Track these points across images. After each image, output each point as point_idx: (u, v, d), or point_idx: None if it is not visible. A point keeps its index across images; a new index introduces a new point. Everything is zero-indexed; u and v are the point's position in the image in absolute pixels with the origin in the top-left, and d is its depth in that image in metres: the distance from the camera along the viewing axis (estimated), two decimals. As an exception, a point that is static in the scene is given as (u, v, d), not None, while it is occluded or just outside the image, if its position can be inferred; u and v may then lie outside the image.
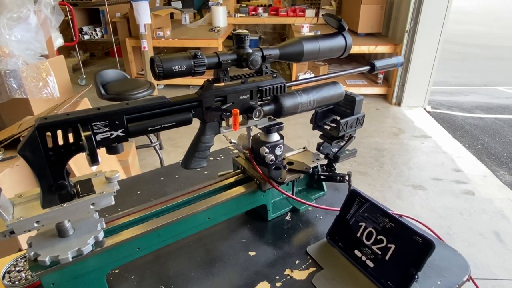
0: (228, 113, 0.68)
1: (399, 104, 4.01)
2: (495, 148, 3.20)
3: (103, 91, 2.38)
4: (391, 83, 4.05)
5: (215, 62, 0.62)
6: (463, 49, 7.53)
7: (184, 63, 0.58)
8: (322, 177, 0.93)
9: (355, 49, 3.87)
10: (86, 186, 0.59)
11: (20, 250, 1.22)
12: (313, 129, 0.92)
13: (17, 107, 1.97)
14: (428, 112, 3.92)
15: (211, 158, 1.18)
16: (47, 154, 0.50)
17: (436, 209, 2.30)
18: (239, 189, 0.79)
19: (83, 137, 0.51)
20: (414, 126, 3.53)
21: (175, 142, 3.14)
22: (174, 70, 0.57)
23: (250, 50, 0.65)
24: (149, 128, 0.59)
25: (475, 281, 0.76)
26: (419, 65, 3.78)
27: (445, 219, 2.20)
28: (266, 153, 0.78)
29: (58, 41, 2.38)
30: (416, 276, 0.62)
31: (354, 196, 0.75)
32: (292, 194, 0.91)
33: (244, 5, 5.47)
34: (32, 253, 0.55)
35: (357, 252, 0.71)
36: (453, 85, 5.12)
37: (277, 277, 0.71)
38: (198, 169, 0.78)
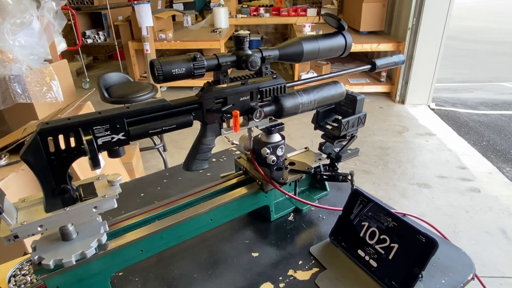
0: (228, 115, 0.68)
1: (402, 102, 3.99)
2: (501, 144, 3.17)
3: (106, 94, 2.39)
4: (395, 81, 4.03)
5: (214, 64, 0.62)
6: (466, 45, 7.47)
7: (184, 66, 0.58)
8: (324, 177, 0.93)
9: (358, 48, 3.87)
10: (89, 190, 0.59)
11: (25, 253, 1.23)
12: (315, 129, 0.91)
13: (21, 112, 1.99)
14: (432, 109, 3.89)
15: (214, 160, 1.18)
16: (49, 158, 0.51)
17: (441, 207, 2.28)
18: (242, 190, 0.79)
19: (85, 141, 0.51)
20: (418, 123, 3.51)
21: (179, 144, 3.15)
22: (174, 73, 0.57)
23: (249, 52, 0.65)
24: (150, 131, 0.59)
25: (482, 279, 0.76)
26: (422, 62, 3.76)
27: (451, 217, 2.19)
28: (267, 154, 0.78)
29: (61, 45, 2.40)
30: (420, 276, 0.62)
31: (356, 196, 0.75)
32: (295, 194, 0.91)
33: (246, 6, 5.48)
34: (36, 257, 0.56)
35: (360, 252, 0.71)
36: (457, 82, 5.08)
37: (281, 278, 0.71)
38: (200, 171, 0.79)
